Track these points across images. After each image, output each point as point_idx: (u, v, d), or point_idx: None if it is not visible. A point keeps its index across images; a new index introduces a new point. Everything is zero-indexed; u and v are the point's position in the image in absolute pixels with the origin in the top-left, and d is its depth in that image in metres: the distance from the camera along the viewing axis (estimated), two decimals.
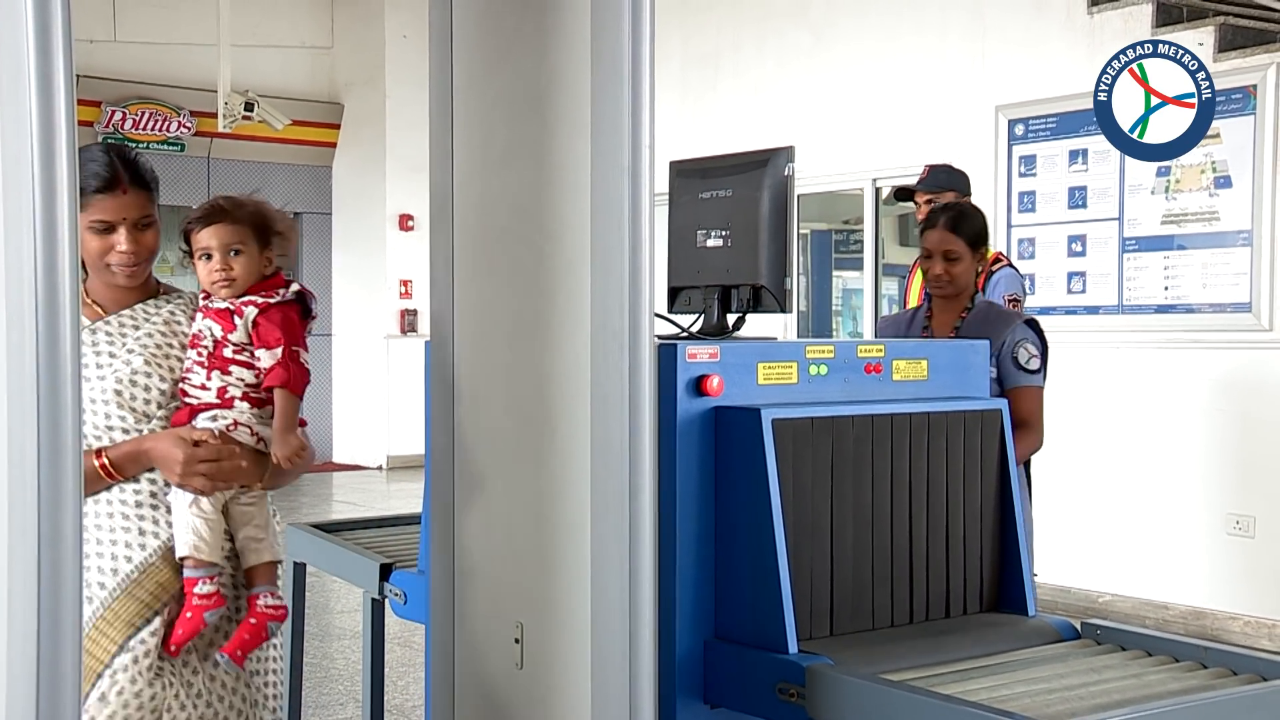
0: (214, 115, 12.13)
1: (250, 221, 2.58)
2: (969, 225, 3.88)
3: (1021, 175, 7.34)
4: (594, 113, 2.26)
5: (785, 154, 2.86)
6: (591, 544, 2.30)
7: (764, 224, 2.83)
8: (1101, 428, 6.91)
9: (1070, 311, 7.05)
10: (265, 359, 2.51)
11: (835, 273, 10.49)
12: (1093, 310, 7.04)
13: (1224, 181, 6.46)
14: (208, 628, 2.46)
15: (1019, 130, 7.36)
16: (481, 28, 2.61)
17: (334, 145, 13.48)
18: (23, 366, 1.55)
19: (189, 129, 12.45)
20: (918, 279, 5.46)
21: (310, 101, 13.26)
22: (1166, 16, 6.84)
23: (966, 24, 7.72)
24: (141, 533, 2.45)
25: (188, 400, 2.51)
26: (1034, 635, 2.72)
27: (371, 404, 13.06)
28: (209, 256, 2.55)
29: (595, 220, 2.27)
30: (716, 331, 2.89)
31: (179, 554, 2.44)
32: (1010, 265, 5.07)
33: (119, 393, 2.47)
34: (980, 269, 3.91)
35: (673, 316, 2.89)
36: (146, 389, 2.50)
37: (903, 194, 5.62)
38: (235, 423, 2.50)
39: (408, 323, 13.15)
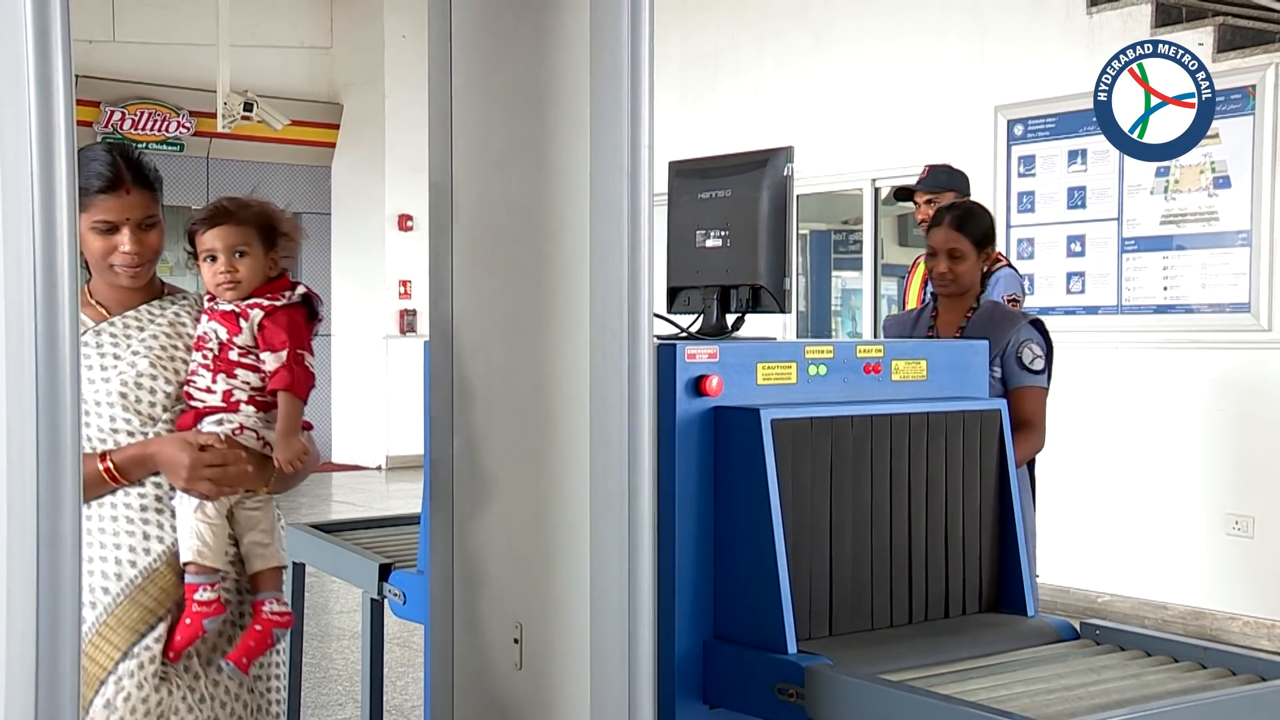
0: (213, 115, 12.12)
1: (255, 223, 2.54)
2: (975, 224, 3.88)
3: (1020, 175, 7.35)
4: (593, 113, 2.26)
5: (784, 154, 2.86)
6: (591, 544, 2.30)
7: (763, 224, 2.83)
8: (1100, 428, 6.91)
9: (1069, 312, 7.05)
10: (270, 362, 2.48)
11: (834, 273, 10.49)
12: (1092, 310, 7.04)
13: (1223, 182, 6.46)
14: (209, 633, 2.44)
15: (1018, 130, 7.36)
16: (481, 28, 2.61)
17: (333, 145, 13.48)
18: (22, 367, 1.55)
19: (188, 129, 12.45)
20: (916, 279, 5.47)
21: (309, 102, 13.25)
22: (1165, 17, 6.84)
23: (965, 24, 7.72)
24: (146, 537, 2.43)
25: (193, 404, 2.48)
26: (1033, 635, 2.73)
27: (371, 404, 13.05)
28: (214, 258, 2.52)
29: (594, 220, 2.27)
30: (716, 332, 2.89)
31: (182, 559, 2.42)
32: (1009, 265, 5.07)
33: (124, 395, 2.45)
34: (985, 269, 3.91)
35: (672, 317, 2.89)
36: (152, 391, 2.47)
37: (903, 194, 5.63)
38: (241, 427, 2.47)
39: (407, 323, 13.15)
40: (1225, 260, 6.49)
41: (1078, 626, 2.76)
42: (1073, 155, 7.09)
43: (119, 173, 2.42)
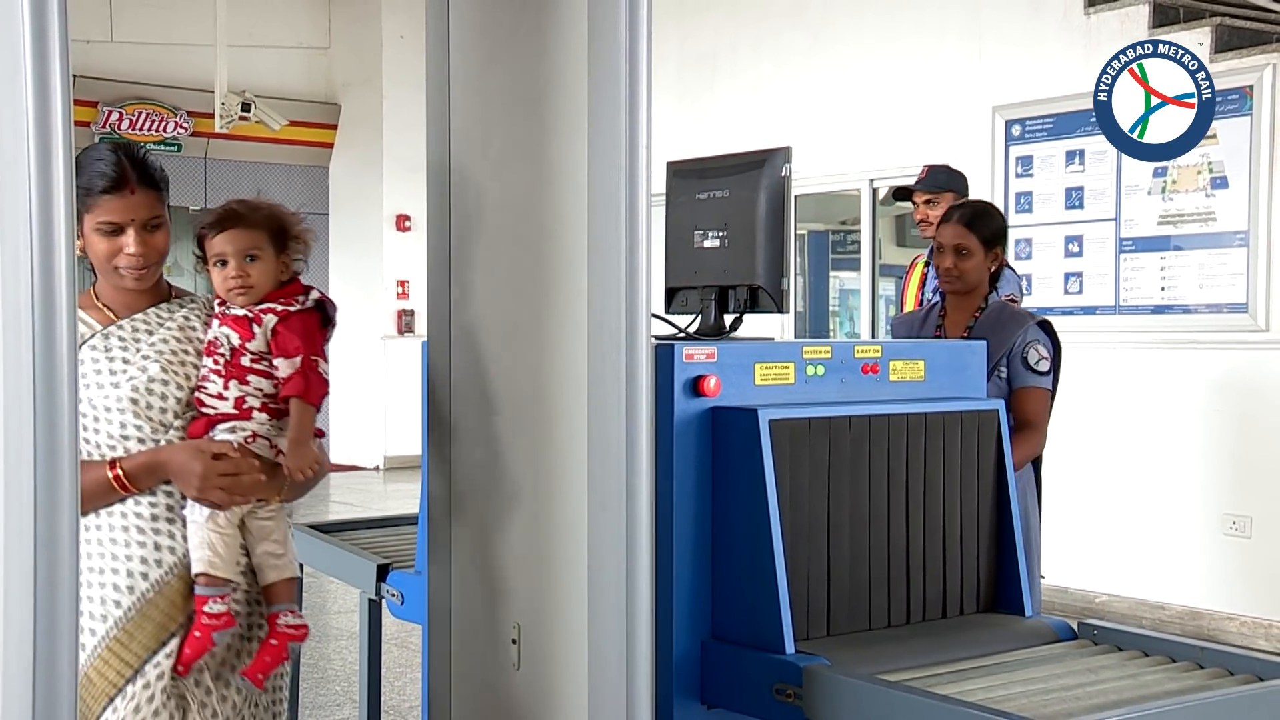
0: (211, 116, 12.12)
1: (266, 226, 2.47)
2: (985, 224, 3.88)
3: (1018, 176, 7.35)
4: (591, 113, 2.26)
5: (782, 154, 2.86)
6: (589, 544, 2.30)
7: (761, 224, 2.83)
8: (1098, 428, 6.91)
9: (1067, 312, 7.05)
10: (283, 368, 2.42)
11: (832, 273, 10.49)
12: (1090, 311, 7.05)
13: (1220, 182, 6.46)
14: (218, 646, 2.37)
15: (1016, 131, 7.36)
16: (478, 28, 2.61)
17: (331, 146, 13.48)
18: (19, 368, 1.55)
19: (186, 129, 12.44)
20: (914, 279, 5.47)
21: (307, 102, 13.25)
22: (1163, 17, 6.85)
23: (963, 24, 7.73)
24: (158, 548, 2.37)
25: (204, 410, 2.42)
26: (1031, 635, 2.73)
27: (369, 404, 13.05)
28: (224, 263, 2.45)
29: (592, 220, 2.27)
30: (714, 332, 2.89)
31: (194, 570, 2.36)
32: (1007, 265, 5.06)
33: (135, 401, 2.37)
34: (992, 269, 3.90)
35: (670, 317, 2.89)
36: (163, 397, 2.40)
37: (902, 194, 5.62)
38: (254, 434, 2.41)
39: (405, 323, 13.15)
40: (1223, 261, 6.49)
41: (1075, 627, 2.76)
42: (1070, 155, 7.09)
43: (124, 172, 2.36)
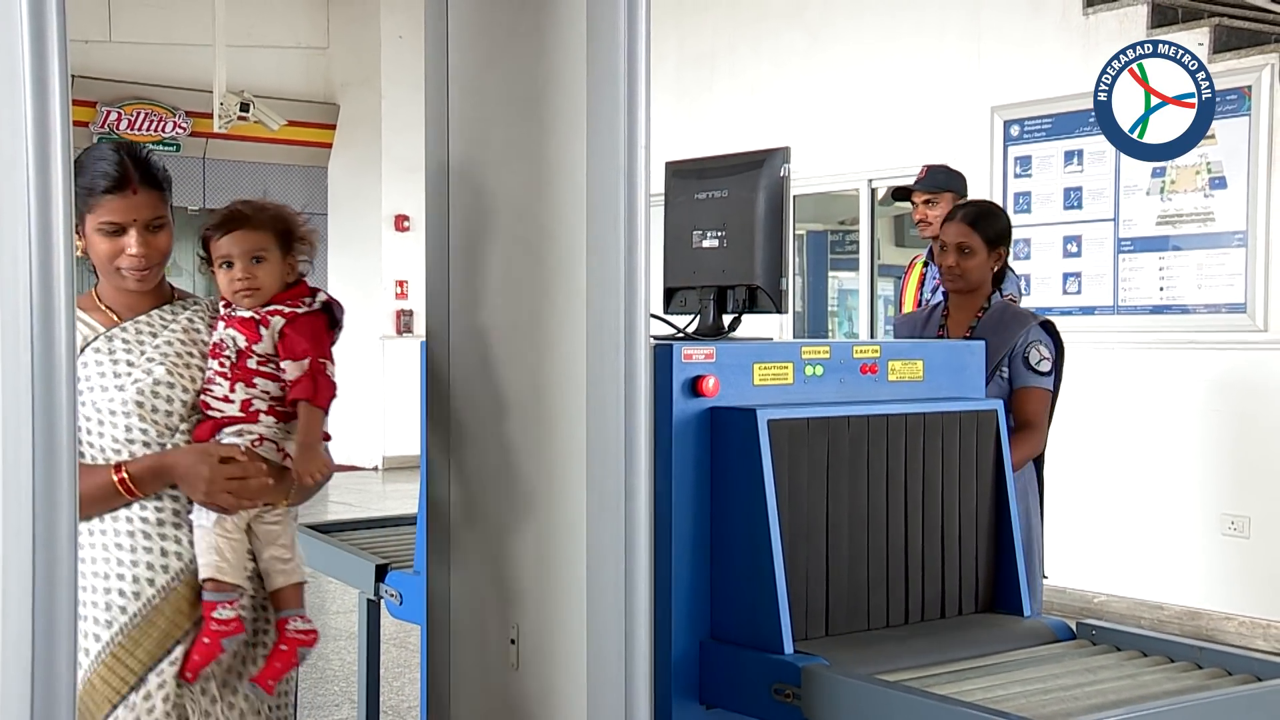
0: (209, 116, 12.12)
1: (272, 227, 2.44)
2: (989, 223, 3.88)
3: (1017, 176, 7.35)
4: (590, 113, 2.26)
5: (781, 154, 2.86)
6: (587, 545, 2.30)
7: (760, 224, 2.83)
8: (1097, 428, 6.91)
9: (1066, 312, 7.05)
10: (291, 370, 2.38)
11: (831, 273, 10.49)
12: (1088, 311, 7.05)
13: (1219, 182, 6.46)
14: (225, 653, 2.34)
15: (1014, 131, 7.36)
16: (477, 28, 2.61)
17: (329, 146, 13.47)
18: (18, 368, 1.55)
19: (184, 129, 12.44)
20: (913, 279, 5.47)
21: (306, 102, 13.25)
22: (1161, 18, 6.85)
23: (962, 25, 7.73)
24: (164, 554, 2.33)
25: (210, 413, 2.38)
26: (1029, 635, 2.73)
27: (367, 404, 13.05)
28: (229, 265, 2.41)
29: (591, 221, 2.27)
30: (712, 332, 2.89)
31: (201, 576, 2.33)
32: (1006, 265, 5.06)
33: (140, 404, 2.34)
34: (995, 269, 3.90)
35: (668, 317, 2.89)
36: (169, 400, 2.36)
37: (901, 194, 5.62)
38: (261, 438, 2.37)
39: (403, 323, 13.14)
40: (1221, 261, 6.50)
41: (1074, 627, 2.76)
42: (1069, 156, 7.09)
43: (126, 172, 2.32)
